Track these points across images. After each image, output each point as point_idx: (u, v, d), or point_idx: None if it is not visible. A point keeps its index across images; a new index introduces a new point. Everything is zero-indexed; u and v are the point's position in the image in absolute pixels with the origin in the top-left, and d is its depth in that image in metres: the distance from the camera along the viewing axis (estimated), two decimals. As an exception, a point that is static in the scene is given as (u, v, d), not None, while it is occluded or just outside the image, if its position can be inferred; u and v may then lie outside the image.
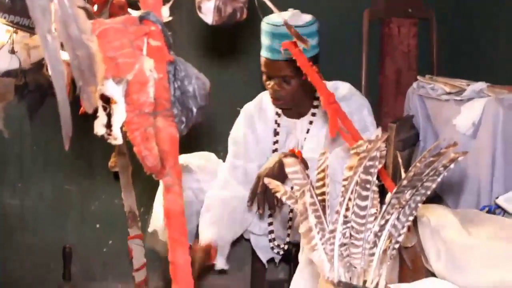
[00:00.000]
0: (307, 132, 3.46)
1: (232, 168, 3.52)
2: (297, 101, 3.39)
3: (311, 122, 3.45)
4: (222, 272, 3.50)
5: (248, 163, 3.51)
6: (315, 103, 3.45)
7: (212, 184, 3.50)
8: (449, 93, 3.93)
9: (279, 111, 3.51)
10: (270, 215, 3.51)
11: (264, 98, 3.56)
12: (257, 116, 3.56)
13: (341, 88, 3.44)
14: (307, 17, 3.32)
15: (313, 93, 3.42)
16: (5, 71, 3.50)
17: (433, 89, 4.04)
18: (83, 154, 4.11)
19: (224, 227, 3.38)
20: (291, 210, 3.47)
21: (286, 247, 3.58)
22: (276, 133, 3.52)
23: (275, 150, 3.50)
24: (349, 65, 4.43)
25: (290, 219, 3.50)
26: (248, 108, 3.61)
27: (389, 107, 4.63)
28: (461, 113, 3.79)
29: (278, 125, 3.52)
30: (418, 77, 4.23)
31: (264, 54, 3.33)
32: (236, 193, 3.42)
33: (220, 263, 3.36)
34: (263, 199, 3.11)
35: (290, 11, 3.28)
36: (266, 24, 3.30)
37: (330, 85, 3.36)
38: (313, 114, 3.46)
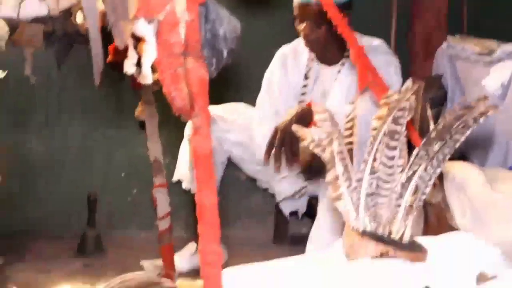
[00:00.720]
0: (335, 80, 3.45)
1: (264, 108, 3.54)
2: (328, 46, 3.41)
3: (339, 71, 3.45)
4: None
5: (279, 104, 3.51)
6: (346, 53, 3.44)
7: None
8: (479, 54, 3.90)
9: (313, 56, 3.51)
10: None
11: (301, 42, 3.56)
12: (291, 58, 3.59)
13: (373, 43, 3.43)
14: None
15: (344, 42, 3.41)
16: (34, 17, 3.50)
17: (462, 50, 4.00)
18: (110, 103, 4.12)
19: None
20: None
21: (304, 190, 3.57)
22: (306, 77, 3.52)
23: (303, 94, 3.50)
24: (379, 25, 4.37)
25: None
26: (283, 50, 3.64)
27: (418, 67, 4.58)
28: (490, 74, 3.76)
29: (309, 69, 3.53)
30: (448, 37, 4.19)
31: None
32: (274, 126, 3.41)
33: None
34: (280, 152, 3.10)
35: None
36: None
37: (364, 38, 3.35)
38: (343, 64, 3.46)
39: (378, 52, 3.37)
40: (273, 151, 3.15)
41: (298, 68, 3.55)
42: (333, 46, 3.40)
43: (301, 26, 3.39)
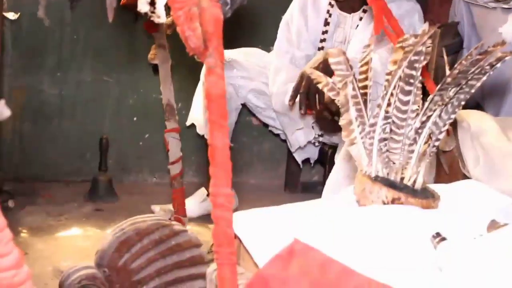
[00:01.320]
0: (356, 28, 3.42)
1: (281, 52, 3.50)
2: None
3: (360, 19, 3.42)
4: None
5: (297, 51, 3.48)
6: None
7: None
8: (497, 1, 3.84)
9: (333, 1, 3.47)
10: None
11: None
12: (311, 3, 3.53)
13: None
14: None
15: None
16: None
17: (480, -4, 3.95)
18: (123, 46, 4.10)
19: None
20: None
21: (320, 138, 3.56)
22: (326, 23, 3.49)
23: (323, 40, 3.47)
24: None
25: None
26: None
27: (435, 14, 4.54)
28: (508, 21, 3.72)
29: (330, 15, 3.49)
30: (466, -17, 4.13)
31: None
32: (291, 73, 3.38)
33: None
34: (306, 97, 3.07)
35: None
36: None
37: None
38: (364, 11, 3.42)
39: None
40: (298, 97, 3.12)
41: (318, 14, 3.50)
42: None
43: None
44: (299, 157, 3.71)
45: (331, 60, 1.59)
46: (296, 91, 3.09)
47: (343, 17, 3.47)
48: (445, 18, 4.33)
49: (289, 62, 3.46)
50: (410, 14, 3.28)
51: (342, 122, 1.63)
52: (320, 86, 1.65)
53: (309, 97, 3.04)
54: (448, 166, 2.64)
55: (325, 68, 2.95)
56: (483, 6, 3.93)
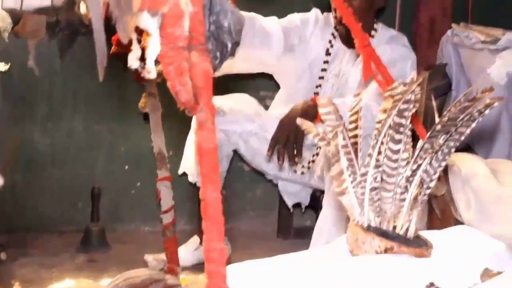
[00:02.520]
0: (352, 65, 3.46)
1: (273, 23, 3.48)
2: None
3: (358, 55, 3.45)
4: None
5: (281, 43, 3.49)
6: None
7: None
8: (484, 42, 3.88)
9: (336, 33, 3.52)
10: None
11: (331, 17, 3.58)
12: (321, 23, 3.59)
13: (396, 35, 3.46)
14: None
15: (368, 29, 3.44)
16: (36, 8, 3.49)
17: (467, 38, 3.99)
18: (114, 94, 4.11)
19: None
20: (313, 161, 3.46)
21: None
22: (328, 53, 3.53)
23: (323, 70, 3.52)
24: (383, 12, 4.37)
25: (312, 161, 3.49)
26: (317, 13, 3.63)
27: (423, 55, 4.57)
28: (495, 62, 3.75)
29: (332, 46, 3.53)
30: (453, 25, 4.18)
31: None
32: None
33: None
34: (284, 149, 3.07)
35: None
36: None
37: (389, 30, 3.39)
38: None
39: (399, 44, 3.40)
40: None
41: (322, 38, 3.57)
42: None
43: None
44: (289, 201, 3.71)
45: (321, 111, 1.59)
46: (274, 141, 3.09)
47: (342, 50, 3.51)
48: (433, 59, 4.38)
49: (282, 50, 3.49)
50: (403, 59, 3.31)
51: (333, 172, 1.63)
52: (310, 136, 1.65)
53: (287, 147, 3.05)
54: (440, 210, 2.64)
55: (305, 117, 2.97)
56: (470, 47, 3.96)
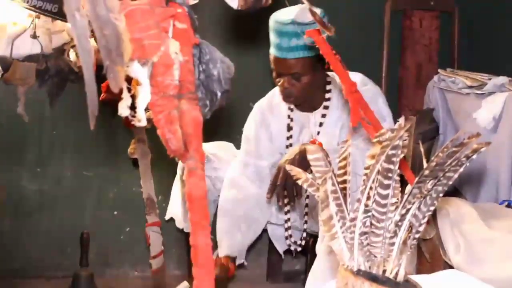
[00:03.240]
0: (320, 125, 3.43)
1: (243, 165, 3.53)
2: (308, 96, 3.37)
3: (323, 115, 3.43)
4: (239, 265, 3.51)
5: (259, 161, 3.50)
6: (327, 95, 3.42)
7: (224, 182, 3.52)
8: (470, 87, 3.91)
9: (292, 106, 3.49)
10: (288, 210, 3.51)
11: (276, 93, 3.53)
12: (270, 113, 3.55)
13: (353, 78, 3.42)
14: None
15: (324, 87, 3.40)
16: (26, 55, 3.51)
17: (454, 83, 4.02)
18: (102, 141, 4.12)
19: (242, 233, 3.41)
20: (308, 198, 3.46)
21: (302, 242, 3.56)
22: (289, 128, 3.50)
23: (289, 146, 3.48)
24: (370, 56, 4.41)
25: (307, 205, 3.49)
26: (260, 105, 3.59)
27: (409, 100, 4.61)
28: (482, 107, 3.77)
29: (291, 119, 3.50)
30: (439, 70, 4.21)
31: (273, 52, 3.29)
32: (247, 193, 3.43)
33: (239, 262, 3.41)
34: (283, 191, 3.09)
35: (298, 6, 3.22)
36: (274, 21, 3.25)
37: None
38: (325, 107, 3.43)
39: (363, 84, 3.36)
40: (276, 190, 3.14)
41: (280, 121, 3.53)
42: (313, 94, 3.38)
43: (280, 80, 3.33)
44: (280, 248, 3.71)
45: (309, 157, 1.60)
46: (273, 184, 3.11)
47: (305, 116, 3.48)
48: (419, 104, 4.41)
49: (251, 175, 3.50)
50: (374, 100, 3.28)
51: (322, 217, 1.64)
52: (299, 182, 1.66)
53: (287, 189, 3.07)
54: (430, 254, 2.65)
55: (302, 160, 2.98)
56: (457, 92, 4.00)
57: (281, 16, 3.21)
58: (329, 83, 3.43)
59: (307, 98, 3.37)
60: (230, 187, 3.47)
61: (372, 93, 3.31)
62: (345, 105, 3.36)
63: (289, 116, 3.51)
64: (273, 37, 3.27)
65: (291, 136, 3.49)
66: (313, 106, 3.44)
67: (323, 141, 3.35)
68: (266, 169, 3.47)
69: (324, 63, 3.10)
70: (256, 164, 3.50)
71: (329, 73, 3.41)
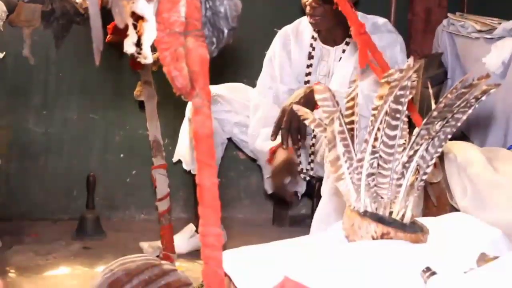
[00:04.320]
0: (339, 60, 3.43)
1: (264, 88, 3.54)
2: (333, 24, 3.36)
3: (343, 51, 3.43)
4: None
5: (280, 85, 3.51)
6: (350, 32, 3.41)
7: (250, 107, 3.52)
8: (480, 31, 3.88)
9: (315, 35, 3.49)
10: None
11: (303, 22, 3.55)
12: (294, 38, 3.56)
13: (378, 22, 3.40)
14: None
15: (347, 23, 3.38)
16: (31, -4, 3.48)
17: (463, 27, 3.99)
18: (109, 83, 4.10)
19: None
20: (313, 144, 3.45)
21: (310, 172, 3.56)
22: (310, 57, 3.50)
23: (308, 74, 3.49)
24: (379, 2, 4.37)
25: (312, 153, 3.48)
26: (285, 30, 3.61)
27: (418, 45, 4.58)
28: (491, 51, 3.75)
29: (313, 49, 3.51)
30: (449, 15, 4.18)
31: None
32: (269, 113, 3.41)
33: None
34: (287, 133, 3.07)
35: None
36: None
37: (368, 17, 3.35)
38: (347, 43, 3.44)
39: (384, 30, 3.36)
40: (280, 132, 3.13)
41: (301, 48, 3.53)
42: (337, 25, 3.35)
43: (307, 1, 3.33)
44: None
45: (317, 97, 1.59)
46: (277, 127, 3.10)
47: (326, 50, 3.48)
48: (428, 49, 4.38)
49: (272, 98, 3.49)
50: (391, 46, 3.29)
51: (329, 158, 1.63)
52: (307, 122, 1.65)
53: (291, 132, 3.05)
54: (436, 198, 2.65)
55: (307, 103, 2.97)
56: (466, 36, 3.97)
57: None
58: None
59: (332, 25, 3.36)
60: (255, 110, 3.48)
61: (391, 39, 3.32)
62: None
63: (311, 45, 3.52)
64: None
65: (311, 65, 3.49)
66: (335, 39, 3.45)
67: (337, 78, 3.36)
68: (285, 94, 3.45)
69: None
70: (276, 88, 3.52)
71: (358, 13, 3.41)
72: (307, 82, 3.47)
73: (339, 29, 3.39)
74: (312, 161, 3.50)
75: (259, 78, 3.58)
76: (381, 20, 3.43)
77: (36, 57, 3.85)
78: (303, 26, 3.54)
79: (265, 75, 3.58)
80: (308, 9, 3.34)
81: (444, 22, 4.15)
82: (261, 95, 3.51)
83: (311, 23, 3.39)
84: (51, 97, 4.05)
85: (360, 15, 3.38)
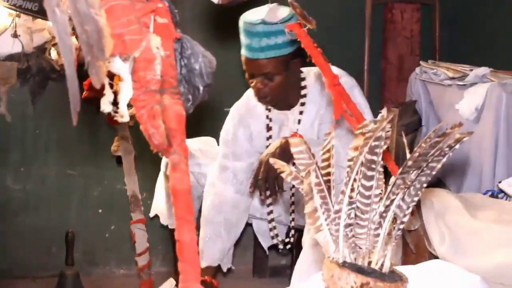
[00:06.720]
0: (299, 122, 3.42)
1: (220, 169, 3.50)
2: (283, 95, 3.34)
3: (301, 112, 3.41)
4: (228, 270, 3.52)
5: (237, 162, 3.47)
6: (303, 92, 3.40)
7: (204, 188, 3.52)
8: (452, 78, 3.93)
9: (269, 106, 3.48)
10: (271, 203, 3.51)
11: (251, 95, 3.50)
12: (248, 115, 3.52)
13: (333, 70, 3.41)
14: (284, 13, 3.20)
15: (299, 83, 3.38)
16: (7, 55, 3.50)
17: (435, 74, 4.03)
18: (86, 139, 4.11)
19: (222, 239, 3.40)
20: (293, 194, 3.46)
21: (291, 239, 3.56)
22: (269, 128, 3.48)
23: (268, 146, 3.46)
24: (352, 50, 4.43)
25: (293, 203, 3.49)
26: (237, 108, 3.57)
27: (391, 93, 4.63)
28: (464, 98, 3.79)
29: (270, 120, 3.47)
30: (421, 62, 4.23)
31: (244, 52, 3.27)
32: (224, 198, 3.42)
33: (227, 267, 3.41)
34: (265, 185, 3.09)
35: (268, 6, 3.21)
36: (243, 22, 3.22)
37: (315, 70, 3.34)
38: (302, 104, 3.41)
39: (341, 75, 3.36)
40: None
41: (258, 122, 3.51)
42: (288, 92, 3.35)
43: (253, 82, 3.31)
44: (265, 244, 3.72)
45: (293, 150, 1.61)
46: (255, 179, 3.11)
47: (284, 115, 3.46)
48: (402, 97, 4.43)
49: (232, 176, 3.48)
50: (350, 91, 3.28)
51: (307, 210, 1.64)
52: (283, 175, 1.66)
53: (269, 183, 3.06)
54: (414, 245, 2.66)
55: (283, 153, 2.99)
56: (439, 83, 4.02)
57: (250, 17, 3.19)
58: (304, 79, 3.41)
59: (283, 97, 3.35)
60: (208, 193, 3.46)
61: (349, 85, 3.29)
62: (322, 100, 3.36)
63: (267, 117, 3.49)
64: (243, 38, 3.25)
65: (270, 137, 3.46)
66: (290, 104, 3.42)
67: (302, 132, 3.35)
68: (244, 171, 3.44)
69: (303, 58, 3.11)
70: (234, 166, 3.47)
71: (302, 69, 3.40)
72: None
73: (291, 93, 3.39)
74: (293, 211, 3.51)
75: (217, 157, 3.57)
76: (334, 69, 3.44)
77: (12, 114, 3.85)
78: (254, 100, 3.49)
79: (220, 156, 3.53)
80: (254, 91, 3.34)
81: (417, 70, 4.20)
82: (218, 175, 3.51)
83: (260, 102, 3.40)
84: (29, 154, 4.05)
85: (307, 72, 3.38)
